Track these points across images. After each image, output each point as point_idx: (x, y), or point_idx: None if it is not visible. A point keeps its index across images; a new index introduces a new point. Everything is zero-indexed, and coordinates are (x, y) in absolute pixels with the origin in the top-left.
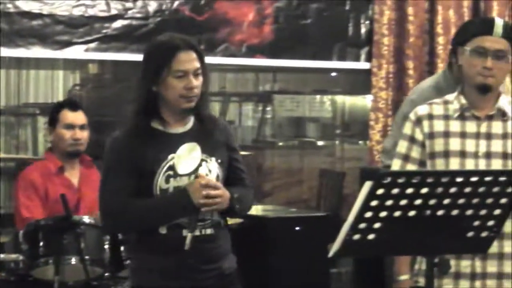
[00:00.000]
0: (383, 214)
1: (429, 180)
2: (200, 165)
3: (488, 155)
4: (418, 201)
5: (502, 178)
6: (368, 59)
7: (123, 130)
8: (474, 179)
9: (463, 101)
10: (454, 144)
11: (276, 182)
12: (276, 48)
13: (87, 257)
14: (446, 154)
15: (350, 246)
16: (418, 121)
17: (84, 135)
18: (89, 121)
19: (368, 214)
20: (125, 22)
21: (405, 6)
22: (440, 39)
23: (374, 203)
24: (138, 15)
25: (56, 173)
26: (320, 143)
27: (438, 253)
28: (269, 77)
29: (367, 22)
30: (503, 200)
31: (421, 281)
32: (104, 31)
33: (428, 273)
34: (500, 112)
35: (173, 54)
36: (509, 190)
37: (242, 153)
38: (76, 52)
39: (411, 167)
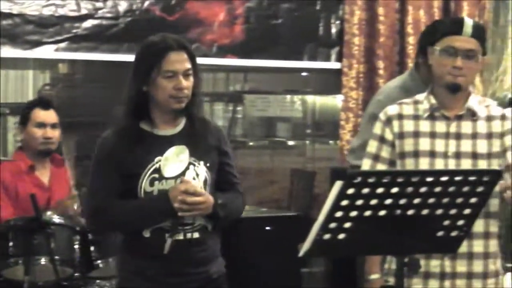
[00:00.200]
0: (353, 213)
1: (399, 179)
2: (187, 168)
3: (458, 155)
4: (388, 201)
5: (472, 178)
6: (339, 59)
7: (112, 130)
8: (444, 178)
9: (433, 101)
10: (424, 144)
11: (247, 182)
12: (247, 48)
13: (57, 257)
14: (416, 154)
15: (320, 246)
16: (388, 121)
17: (55, 134)
18: (60, 121)
19: (339, 214)
20: (95, 22)
21: (375, 6)
22: (411, 39)
23: (344, 202)
24: (109, 15)
25: (27, 172)
26: (291, 143)
27: (408, 253)
28: (240, 77)
29: (338, 22)
30: (473, 200)
31: (391, 280)
32: (74, 31)
33: (398, 273)
34: (469, 112)
35: (164, 54)
36: (479, 189)
37: None
38: (46, 51)
39: (381, 167)
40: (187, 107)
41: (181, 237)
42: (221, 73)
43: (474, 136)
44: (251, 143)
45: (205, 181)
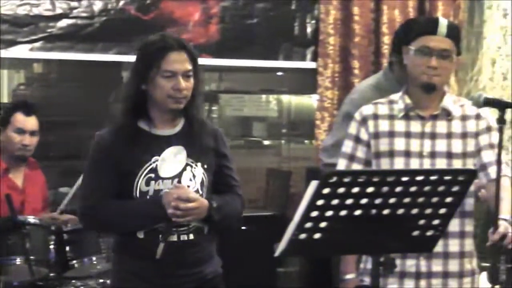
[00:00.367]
0: (329, 213)
1: (375, 179)
2: (184, 169)
3: (433, 155)
4: (364, 201)
5: (447, 177)
6: (314, 58)
7: (109, 128)
8: (419, 178)
9: (408, 101)
10: (399, 143)
11: None
12: (222, 47)
13: (32, 257)
14: (391, 153)
15: (296, 246)
16: (363, 121)
17: (33, 141)
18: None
19: (314, 214)
20: (70, 21)
21: (350, 5)
22: (386, 39)
23: (320, 202)
24: (84, 14)
25: (1, 174)
26: (266, 142)
27: (384, 252)
28: (215, 77)
29: (313, 21)
30: (448, 199)
31: (367, 280)
32: (49, 30)
33: (373, 272)
34: (444, 112)
35: (164, 53)
36: (454, 189)
37: None
38: (21, 51)
39: (356, 166)
40: (186, 108)
41: (175, 238)
42: None
43: (449, 135)
44: None
45: (202, 183)
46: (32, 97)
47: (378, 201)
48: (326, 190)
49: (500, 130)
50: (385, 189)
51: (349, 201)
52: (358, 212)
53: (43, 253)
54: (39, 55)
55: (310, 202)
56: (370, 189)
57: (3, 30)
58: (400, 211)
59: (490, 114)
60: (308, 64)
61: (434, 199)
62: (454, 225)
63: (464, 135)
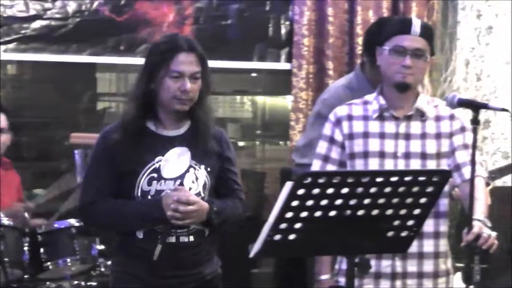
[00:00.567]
0: (303, 214)
1: (350, 180)
2: (187, 171)
3: (407, 155)
4: (338, 201)
5: (421, 178)
6: (289, 59)
7: (115, 124)
8: (394, 179)
9: (382, 101)
10: (373, 144)
11: None
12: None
13: (6, 259)
14: (366, 154)
15: (271, 247)
16: (338, 122)
17: (3, 139)
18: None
19: (289, 215)
20: (44, 22)
21: (324, 6)
22: (360, 40)
23: (295, 203)
24: (57, 16)
25: None
26: (241, 143)
27: (359, 253)
28: None
29: (287, 22)
30: (423, 200)
31: (342, 280)
32: (23, 31)
33: (348, 273)
34: (418, 112)
35: (173, 54)
36: (428, 189)
37: None
38: None
39: (331, 167)
40: (192, 109)
41: (173, 240)
42: None
43: (423, 136)
44: None
45: (204, 185)
46: (6, 98)
47: (352, 202)
48: (300, 191)
49: (474, 131)
50: (359, 190)
51: (324, 202)
52: (333, 213)
53: (17, 255)
54: (12, 57)
55: (285, 203)
56: (344, 190)
57: None
58: (375, 211)
59: (464, 115)
60: (283, 65)
61: (409, 200)
62: (428, 225)
63: (438, 136)
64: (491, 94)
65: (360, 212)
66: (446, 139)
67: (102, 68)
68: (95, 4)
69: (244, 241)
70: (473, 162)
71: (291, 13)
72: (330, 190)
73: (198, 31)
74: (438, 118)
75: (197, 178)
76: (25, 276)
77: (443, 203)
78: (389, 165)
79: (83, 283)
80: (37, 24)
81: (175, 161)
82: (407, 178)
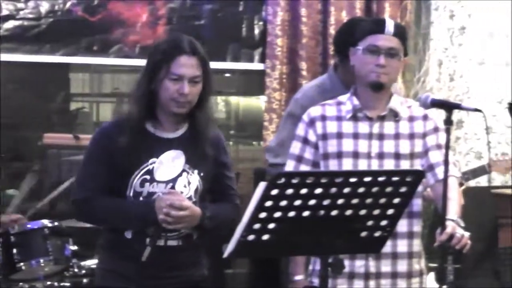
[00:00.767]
0: (277, 214)
1: (323, 180)
2: (180, 175)
3: (381, 156)
4: (312, 202)
5: (395, 178)
6: (262, 60)
7: (113, 122)
8: (367, 179)
9: (356, 102)
10: (347, 145)
11: None
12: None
13: None
14: (339, 155)
15: (245, 247)
16: (311, 123)
17: None
18: None
19: (263, 215)
20: (17, 22)
21: (298, 7)
22: None
23: (268, 203)
24: (30, 16)
25: None
26: None
27: (332, 253)
28: None
29: (261, 23)
30: (396, 200)
31: (316, 281)
32: None
33: (322, 273)
34: (392, 113)
35: (174, 56)
36: (402, 190)
37: None
38: None
39: (304, 168)
40: (191, 112)
41: (162, 243)
42: None
43: (397, 136)
44: None
45: (196, 190)
46: None
47: (326, 202)
48: (274, 191)
49: (447, 131)
50: (333, 190)
51: (297, 202)
52: (306, 213)
53: None
54: None
55: (259, 203)
56: (318, 190)
57: None
58: (349, 212)
59: (437, 115)
60: (256, 66)
61: (382, 200)
62: (402, 225)
63: (411, 136)
64: (464, 95)
65: (334, 212)
66: (419, 139)
67: (76, 69)
68: (68, 4)
69: (218, 242)
70: (446, 162)
71: (265, 13)
72: (303, 191)
73: (172, 31)
74: (411, 119)
75: (189, 183)
76: None
77: (417, 203)
78: (362, 165)
79: (56, 283)
80: (10, 24)
81: (169, 164)
82: (380, 178)
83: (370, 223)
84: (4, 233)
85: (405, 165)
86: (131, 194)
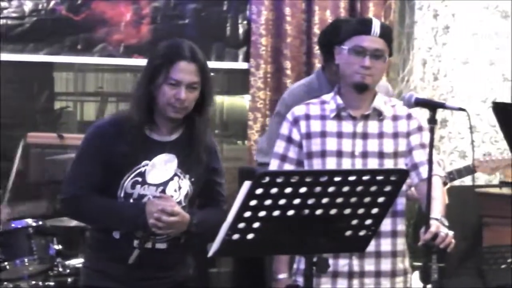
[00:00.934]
0: (262, 213)
1: (308, 179)
2: (171, 179)
3: (365, 155)
4: (296, 201)
5: (379, 177)
6: (246, 59)
7: (109, 121)
8: (352, 178)
9: (340, 101)
10: (331, 144)
11: None
12: (154, 48)
13: None
14: (323, 154)
15: (229, 246)
16: (295, 122)
17: None
18: None
19: (247, 214)
20: (1, 21)
21: (282, 6)
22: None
23: (253, 202)
24: (14, 15)
25: None
26: None
27: (317, 252)
28: None
29: (245, 22)
30: (381, 199)
31: (300, 280)
32: None
33: (307, 272)
34: (376, 112)
35: (174, 61)
36: (386, 189)
37: None
38: None
39: (288, 167)
40: (188, 118)
41: (149, 245)
42: (128, 73)
43: (381, 135)
44: None
45: (186, 195)
46: None
47: (310, 201)
48: (259, 191)
49: (431, 130)
50: (317, 189)
51: (282, 202)
52: (291, 212)
53: None
54: None
55: (243, 202)
56: (303, 189)
57: None
58: (333, 211)
59: (421, 114)
60: (240, 65)
61: (367, 199)
62: (386, 224)
63: (395, 135)
64: (448, 94)
65: (318, 212)
66: (403, 138)
67: (59, 68)
68: (52, 3)
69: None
70: (430, 161)
71: (249, 12)
72: (288, 190)
73: (155, 30)
74: (395, 118)
75: (180, 187)
76: None
77: (401, 202)
78: (346, 164)
79: (40, 283)
80: None
81: (161, 167)
82: (365, 177)
83: (354, 222)
84: None
85: (389, 164)
86: (122, 195)
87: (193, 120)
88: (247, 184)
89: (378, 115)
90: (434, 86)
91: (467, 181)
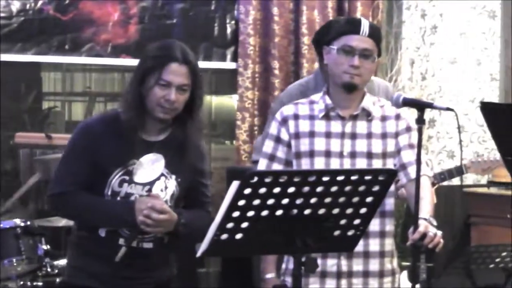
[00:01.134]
0: (250, 213)
1: (296, 179)
2: (158, 179)
3: (353, 155)
4: (285, 201)
5: (367, 177)
6: (234, 59)
7: (98, 119)
8: (340, 178)
9: (328, 101)
10: (319, 144)
11: None
12: (142, 48)
13: None
14: (312, 153)
15: (218, 246)
16: (284, 121)
17: None
18: None
19: (236, 214)
20: None
21: (270, 6)
22: (305, 39)
23: (241, 202)
24: (2, 14)
25: None
26: None
27: (305, 252)
28: None
29: (233, 22)
30: (369, 199)
31: (289, 280)
32: None
33: (295, 272)
34: (364, 112)
35: (165, 62)
36: (374, 189)
37: None
38: None
39: (277, 166)
40: (177, 120)
41: (134, 245)
42: (116, 73)
43: (369, 136)
44: None
45: (172, 195)
46: None
47: (299, 201)
48: (247, 190)
49: (419, 130)
50: (306, 189)
51: (270, 201)
52: (279, 212)
53: None
54: None
55: (232, 202)
56: (291, 189)
57: None
58: (321, 211)
59: (410, 114)
60: (228, 65)
61: (355, 199)
62: (374, 224)
63: (384, 136)
64: (436, 94)
65: (307, 211)
66: (392, 138)
67: (47, 68)
68: (39, 3)
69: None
70: (418, 161)
71: (237, 12)
72: (276, 190)
73: (143, 30)
74: (384, 118)
75: (166, 187)
76: None
77: (389, 203)
78: (335, 164)
79: (29, 283)
80: None
81: (148, 167)
82: (353, 177)
83: (343, 222)
84: None
85: (377, 164)
86: (109, 193)
87: (183, 121)
88: (235, 184)
89: (367, 115)
90: (422, 86)
91: (455, 180)
